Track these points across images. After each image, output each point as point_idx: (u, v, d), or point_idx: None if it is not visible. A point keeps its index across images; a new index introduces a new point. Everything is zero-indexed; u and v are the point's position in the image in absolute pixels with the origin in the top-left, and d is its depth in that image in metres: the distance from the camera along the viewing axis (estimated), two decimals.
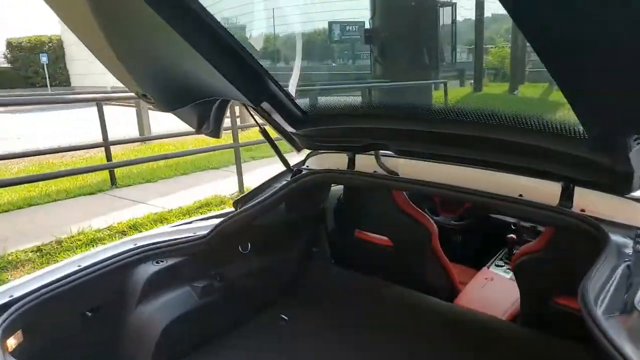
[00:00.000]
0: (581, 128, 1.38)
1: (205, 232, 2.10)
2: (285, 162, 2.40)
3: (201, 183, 7.63)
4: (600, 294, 1.31)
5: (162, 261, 2.00)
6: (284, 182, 2.29)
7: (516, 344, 1.94)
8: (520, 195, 1.84)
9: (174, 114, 1.98)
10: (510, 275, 2.81)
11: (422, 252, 2.39)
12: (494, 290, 2.62)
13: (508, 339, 1.97)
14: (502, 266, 2.90)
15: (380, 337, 2.13)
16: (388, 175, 2.17)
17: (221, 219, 2.13)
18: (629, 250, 1.47)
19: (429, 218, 2.40)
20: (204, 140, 9.44)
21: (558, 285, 1.91)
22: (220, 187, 7.25)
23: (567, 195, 1.74)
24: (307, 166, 2.50)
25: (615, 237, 1.52)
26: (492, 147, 1.76)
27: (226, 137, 7.18)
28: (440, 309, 2.19)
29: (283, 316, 2.32)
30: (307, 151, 2.54)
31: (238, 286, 2.21)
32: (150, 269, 1.96)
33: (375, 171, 2.23)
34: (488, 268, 2.90)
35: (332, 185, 2.63)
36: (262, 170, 7.82)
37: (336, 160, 2.48)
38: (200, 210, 6.18)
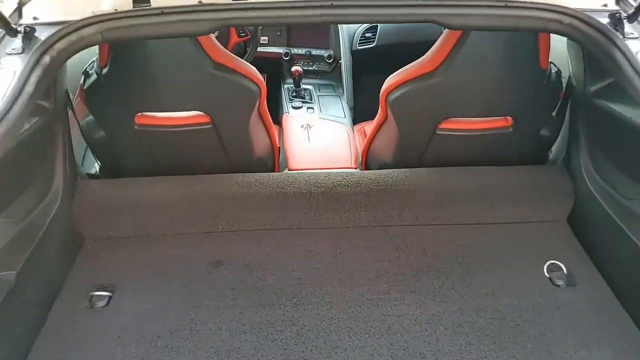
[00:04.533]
0: None
1: None
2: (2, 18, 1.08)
3: None
4: None
5: None
6: (30, 59, 1.05)
7: (401, 185, 1.55)
8: None
9: None
10: (314, 113, 2.35)
11: (248, 119, 1.62)
12: (322, 139, 2.13)
13: (389, 183, 1.56)
14: (299, 107, 2.39)
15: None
16: (236, 3, 1.20)
17: None
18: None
19: (255, 69, 1.58)
20: None
21: (446, 109, 1.56)
22: None
23: None
24: (35, 19, 1.20)
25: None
26: None
27: None
28: (287, 180, 1.56)
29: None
30: None
31: None
32: None
33: (200, 1, 1.21)
34: (289, 114, 2.35)
35: None
36: None
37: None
38: None
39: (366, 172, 1.61)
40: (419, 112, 1.57)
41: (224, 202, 1.48)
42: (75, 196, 1.48)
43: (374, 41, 2.63)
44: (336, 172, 1.60)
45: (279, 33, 2.67)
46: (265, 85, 1.60)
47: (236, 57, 1.55)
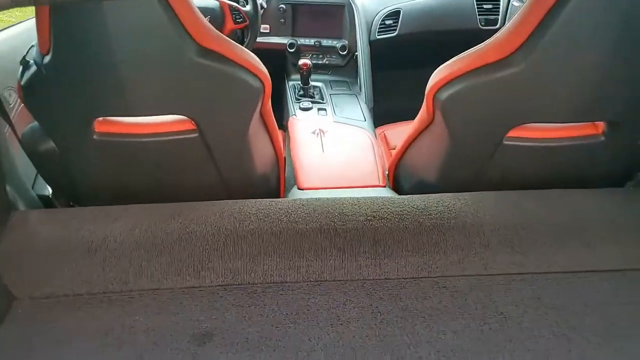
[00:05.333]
0: None
1: None
2: None
3: None
4: None
5: None
6: None
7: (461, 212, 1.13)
8: None
9: None
10: (327, 115, 1.93)
11: (247, 125, 1.19)
12: (340, 149, 1.71)
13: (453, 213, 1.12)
14: (309, 108, 1.97)
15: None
16: None
17: None
18: None
19: (257, 58, 1.16)
20: None
21: (521, 111, 1.13)
22: None
23: None
24: None
25: None
26: None
27: None
28: (301, 209, 1.12)
29: None
30: None
31: None
32: None
33: None
34: (296, 116, 1.93)
35: None
36: None
37: None
38: None
39: (410, 197, 1.18)
40: (482, 116, 1.15)
41: (214, 244, 1.05)
42: (4, 235, 1.06)
43: (395, 29, 2.22)
44: (368, 198, 1.17)
45: (282, 20, 2.25)
46: (270, 80, 1.18)
47: (231, 41, 1.12)
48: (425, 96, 1.21)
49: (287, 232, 1.06)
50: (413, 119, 1.34)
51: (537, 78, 1.04)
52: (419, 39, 2.24)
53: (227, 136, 1.20)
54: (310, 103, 1.97)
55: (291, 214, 1.10)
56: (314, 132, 1.76)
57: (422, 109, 1.27)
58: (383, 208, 1.12)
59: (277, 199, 1.17)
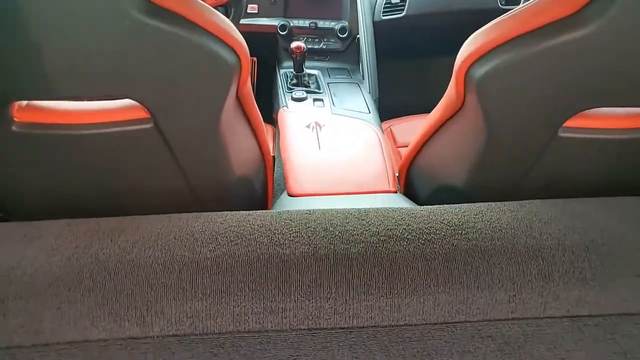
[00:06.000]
0: None
1: None
2: None
3: None
4: None
5: None
6: None
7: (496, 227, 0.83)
8: None
9: None
10: (324, 107, 1.64)
11: (217, 114, 0.90)
12: (340, 146, 1.42)
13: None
14: (303, 98, 1.68)
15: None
16: None
17: None
18: None
19: (231, 25, 0.86)
20: None
21: (589, 92, 0.84)
22: None
23: None
24: None
25: None
26: None
27: None
28: (290, 226, 0.83)
29: None
30: None
31: None
32: None
33: None
34: (287, 108, 1.63)
35: None
36: None
37: None
38: None
39: (438, 208, 0.89)
40: (532, 98, 0.86)
41: (165, 277, 0.76)
42: None
43: (403, 9, 1.94)
44: (380, 210, 0.88)
45: (273, 0, 1.97)
46: (248, 54, 0.88)
47: (199, 0, 0.82)
48: (454, 74, 0.92)
49: (269, 260, 0.77)
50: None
51: (615, 42, 0.74)
52: (430, 20, 1.97)
53: (192, 127, 0.91)
54: (304, 92, 1.68)
55: (275, 233, 0.80)
56: (308, 126, 1.47)
57: (447, 92, 0.98)
58: (401, 224, 0.83)
59: (256, 212, 0.87)
